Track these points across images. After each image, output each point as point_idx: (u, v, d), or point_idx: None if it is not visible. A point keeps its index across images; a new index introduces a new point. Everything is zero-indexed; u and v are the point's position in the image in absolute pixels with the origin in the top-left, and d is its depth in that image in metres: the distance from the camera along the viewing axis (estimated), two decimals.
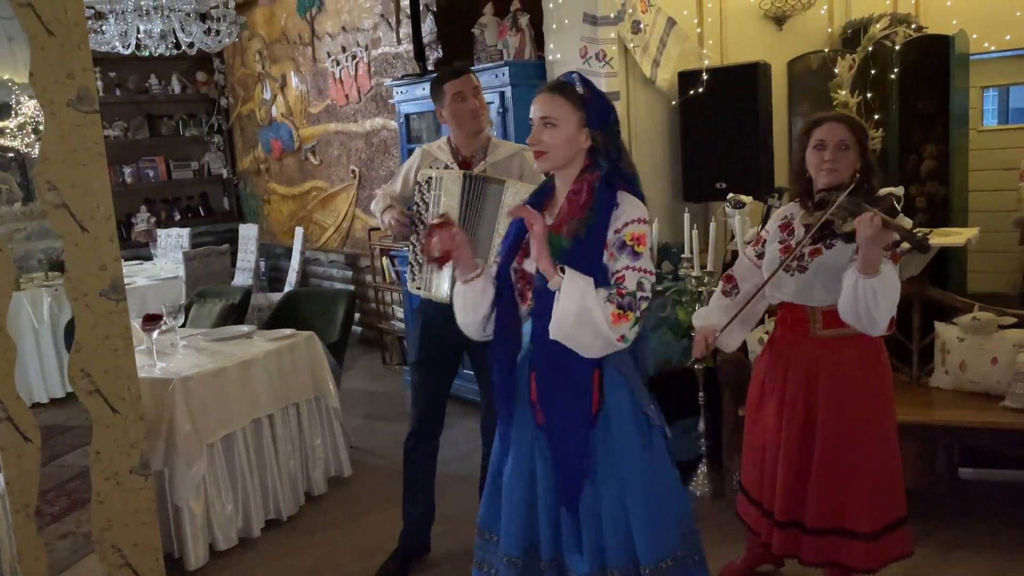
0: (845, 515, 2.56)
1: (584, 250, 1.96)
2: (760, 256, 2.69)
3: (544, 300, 1.99)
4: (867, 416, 2.54)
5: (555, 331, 1.94)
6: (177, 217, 8.48)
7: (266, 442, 3.64)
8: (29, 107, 5.98)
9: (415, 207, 3.01)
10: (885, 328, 2.35)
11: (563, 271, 1.93)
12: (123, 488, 3.04)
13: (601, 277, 1.96)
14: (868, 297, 2.26)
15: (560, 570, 2.08)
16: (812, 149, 2.53)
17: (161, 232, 7.58)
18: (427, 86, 5.04)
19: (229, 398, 3.43)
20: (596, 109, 2.07)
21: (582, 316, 1.89)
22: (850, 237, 2.32)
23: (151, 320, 3.54)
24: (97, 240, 2.95)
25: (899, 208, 2.70)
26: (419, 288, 2.99)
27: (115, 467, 3.03)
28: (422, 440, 3.15)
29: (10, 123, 6.35)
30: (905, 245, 2.26)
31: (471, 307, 2.17)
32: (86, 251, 2.94)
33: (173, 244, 7.37)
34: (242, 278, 7.35)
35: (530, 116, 2.11)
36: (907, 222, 2.65)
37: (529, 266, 2.09)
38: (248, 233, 7.57)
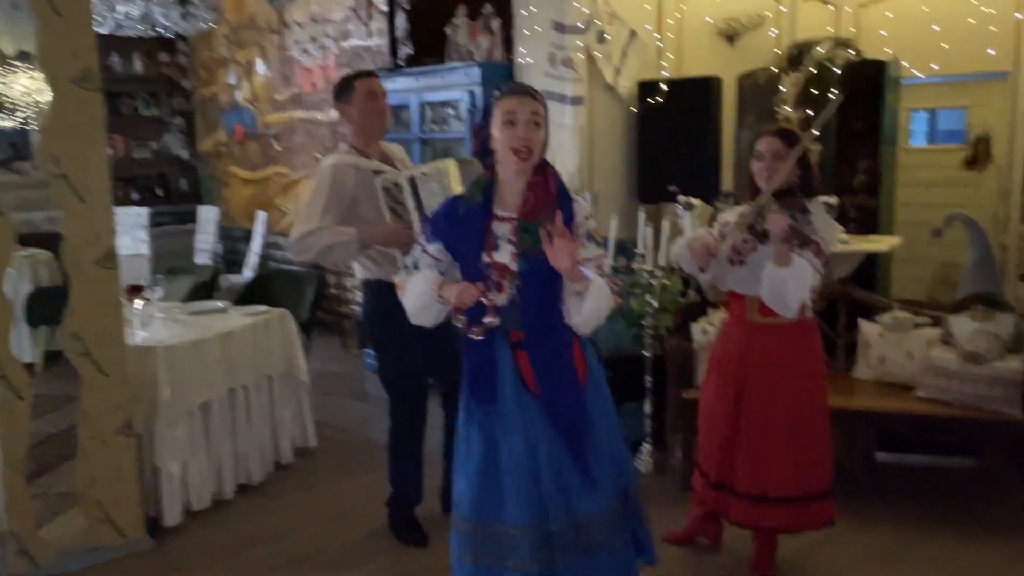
0: (767, 482, 2.89)
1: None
2: (721, 236, 2.97)
3: (532, 288, 2.20)
4: (791, 396, 2.88)
5: (588, 325, 2.23)
6: (135, 196, 8.49)
7: (240, 411, 3.83)
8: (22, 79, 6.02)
9: (390, 212, 3.05)
10: (796, 311, 2.73)
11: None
12: (108, 447, 3.23)
13: None
14: (779, 284, 2.66)
15: (569, 527, 2.25)
16: (754, 159, 2.89)
17: (119, 210, 7.60)
18: (399, 80, 5.31)
19: (208, 367, 3.62)
20: (547, 113, 2.30)
21: (604, 308, 2.20)
22: (767, 234, 2.71)
23: (135, 291, 3.70)
24: (93, 211, 3.14)
25: (833, 215, 3.06)
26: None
27: (101, 426, 3.21)
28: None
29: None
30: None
31: (437, 315, 2.33)
32: (83, 221, 3.12)
33: (132, 223, 7.42)
34: (201, 258, 7.46)
35: (506, 115, 2.19)
36: (837, 227, 3.01)
37: (501, 257, 2.23)
38: (208, 215, 7.68)
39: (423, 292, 2.30)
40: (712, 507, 3.04)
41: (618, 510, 2.33)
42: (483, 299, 2.21)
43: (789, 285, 2.65)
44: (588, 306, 2.18)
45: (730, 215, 3.00)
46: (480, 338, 2.24)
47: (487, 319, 2.22)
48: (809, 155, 2.90)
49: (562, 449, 2.25)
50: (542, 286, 2.21)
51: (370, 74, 3.30)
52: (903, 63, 4.84)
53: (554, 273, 2.17)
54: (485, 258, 2.23)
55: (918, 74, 4.84)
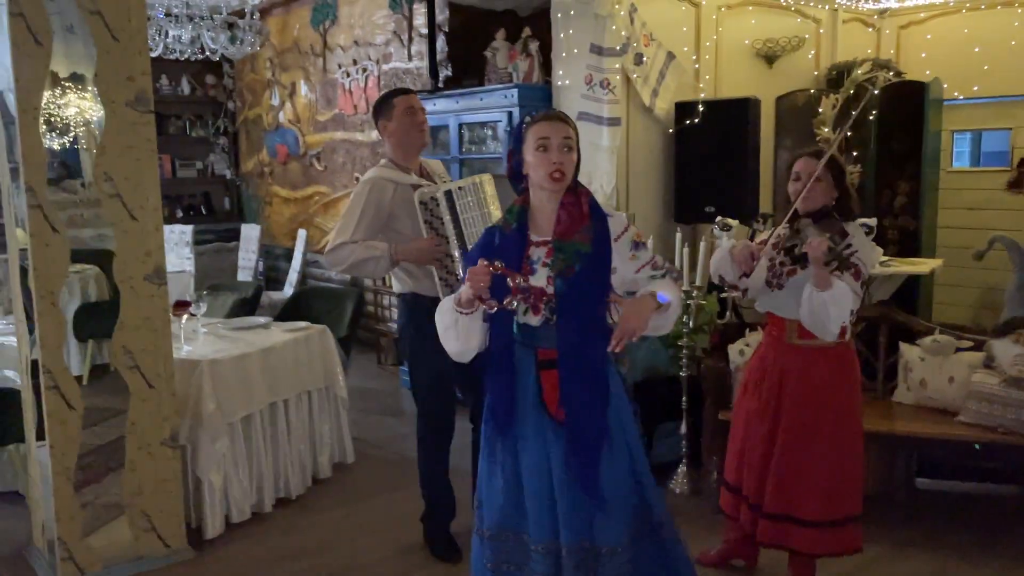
0: (795, 504, 2.87)
1: (600, 250, 2.25)
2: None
3: (569, 308, 2.22)
4: (827, 419, 2.85)
5: (664, 329, 2.33)
6: (179, 215, 8.71)
7: (281, 425, 3.90)
8: (73, 100, 6.26)
9: (427, 226, 3.10)
10: (837, 334, 2.70)
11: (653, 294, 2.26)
12: (154, 458, 3.31)
13: (608, 272, 2.27)
14: (819, 307, 2.64)
15: (585, 553, 2.25)
16: (791, 181, 2.88)
17: (164, 228, 7.81)
18: (438, 102, 5.41)
19: (251, 381, 3.70)
20: (578, 136, 2.34)
21: (677, 305, 2.32)
22: (805, 257, 2.69)
23: (180, 306, 3.80)
24: (144, 229, 3.25)
25: (871, 236, 3.04)
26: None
27: (148, 438, 3.30)
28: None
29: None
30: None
31: (466, 335, 2.28)
32: (134, 238, 3.22)
33: (177, 240, 7.61)
34: (243, 275, 7.62)
35: (540, 140, 2.23)
36: (878, 251, 2.99)
37: (537, 281, 2.26)
38: (251, 233, 7.84)
39: (446, 309, 2.32)
40: (747, 528, 3.03)
41: (641, 542, 2.32)
42: (508, 280, 2.20)
43: (830, 309, 2.63)
44: (664, 317, 2.29)
45: (765, 236, 3.01)
46: (493, 311, 2.23)
47: (507, 300, 2.22)
48: (847, 178, 2.87)
49: (575, 473, 2.25)
50: (579, 306, 2.24)
51: (408, 91, 3.37)
52: (944, 84, 4.82)
53: (591, 294, 2.22)
54: (523, 284, 2.26)
55: (960, 96, 4.81)
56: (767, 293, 2.88)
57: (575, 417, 2.25)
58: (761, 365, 3.00)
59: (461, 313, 2.24)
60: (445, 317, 2.31)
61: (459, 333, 2.28)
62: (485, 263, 2.15)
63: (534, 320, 2.28)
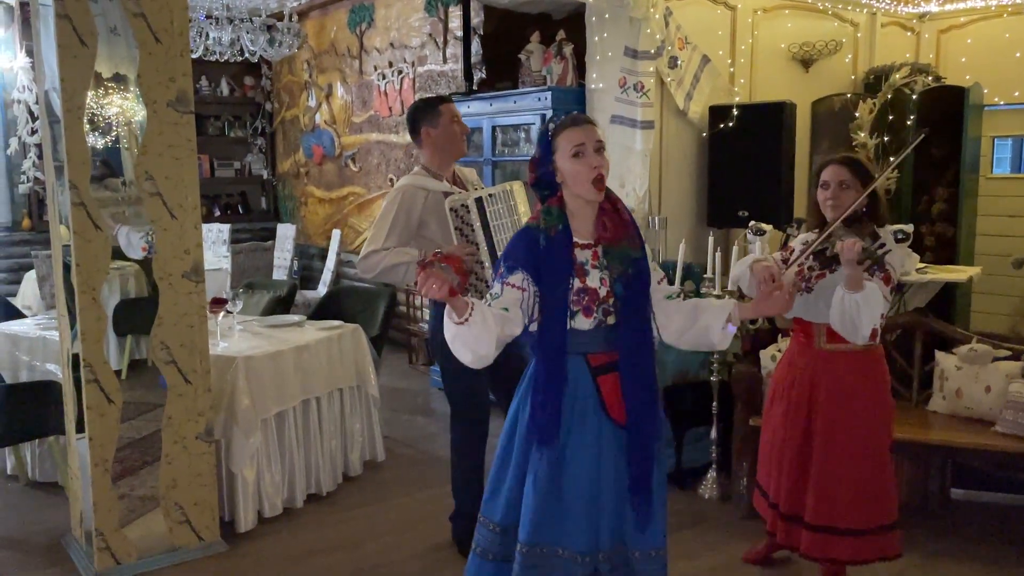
0: (836, 514, 2.85)
1: (645, 255, 2.30)
2: (784, 261, 2.93)
3: (629, 311, 2.24)
4: (860, 425, 2.84)
5: (706, 346, 2.38)
6: (217, 213, 8.85)
7: (313, 422, 3.95)
8: (115, 100, 6.40)
9: (458, 233, 3.10)
10: (868, 336, 2.67)
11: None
12: (189, 452, 3.38)
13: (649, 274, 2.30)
14: (852, 309, 2.62)
15: (618, 558, 2.27)
16: (819, 188, 2.87)
17: (203, 227, 7.94)
18: (472, 104, 5.44)
19: (284, 378, 3.75)
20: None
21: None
22: (835, 260, 2.69)
23: (217, 303, 3.87)
24: (183, 227, 3.31)
25: (907, 243, 3.01)
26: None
27: (183, 432, 3.36)
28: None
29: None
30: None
31: (474, 343, 2.14)
32: (173, 236, 3.29)
33: (214, 238, 7.73)
34: (278, 274, 7.72)
35: (575, 147, 2.21)
36: (914, 258, 2.97)
37: (592, 282, 2.25)
38: (286, 232, 7.94)
39: (444, 324, 2.22)
40: (783, 541, 3.01)
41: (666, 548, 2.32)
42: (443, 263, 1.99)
43: (862, 310, 2.61)
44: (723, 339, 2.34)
45: (797, 243, 2.99)
46: (467, 295, 2.11)
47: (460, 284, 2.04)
48: (876, 184, 2.84)
49: (626, 481, 2.25)
50: (638, 309, 2.27)
51: (450, 99, 3.41)
52: (985, 90, 4.74)
53: (645, 296, 2.27)
54: (577, 283, 2.24)
55: (1000, 101, 4.73)
56: (796, 298, 2.84)
57: (636, 418, 2.25)
58: (791, 371, 2.98)
59: (457, 323, 2.12)
60: (447, 332, 2.19)
61: (465, 343, 2.15)
62: (421, 268, 1.99)
63: (585, 324, 2.24)
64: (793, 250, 2.90)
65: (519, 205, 3.17)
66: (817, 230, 2.85)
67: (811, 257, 2.78)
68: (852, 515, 2.84)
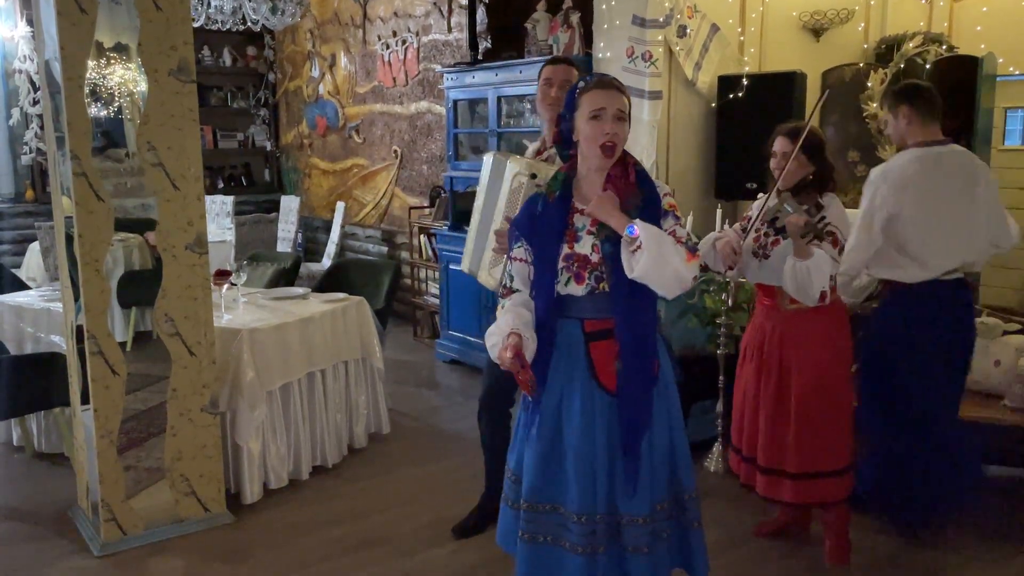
0: (820, 459, 2.96)
1: (646, 214, 2.19)
2: (743, 230, 3.09)
3: (619, 271, 2.18)
4: (832, 371, 2.97)
5: (649, 279, 2.13)
6: (220, 185, 8.81)
7: (318, 395, 3.95)
8: (117, 70, 6.34)
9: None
10: (817, 299, 2.84)
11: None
12: (194, 424, 3.37)
13: None
14: (802, 275, 2.81)
15: (611, 521, 2.27)
16: (771, 158, 3.03)
17: (206, 198, 7.91)
18: (477, 74, 5.37)
19: (289, 351, 3.74)
20: (630, 105, 2.29)
21: (665, 257, 2.11)
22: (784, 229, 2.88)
23: (221, 275, 3.84)
24: (186, 198, 3.27)
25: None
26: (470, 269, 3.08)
27: (188, 404, 3.35)
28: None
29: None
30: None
31: (533, 345, 2.23)
32: (176, 207, 3.26)
33: (218, 211, 7.70)
34: (282, 247, 7.69)
35: (594, 110, 2.19)
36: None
37: (582, 248, 2.24)
38: (290, 205, 7.90)
39: (489, 345, 2.28)
40: (764, 493, 3.08)
41: (663, 515, 2.31)
42: (518, 371, 2.12)
43: (812, 276, 2.80)
44: (645, 258, 2.12)
45: (754, 208, 3.10)
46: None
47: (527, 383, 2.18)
48: (825, 152, 2.97)
49: (617, 445, 2.24)
50: None
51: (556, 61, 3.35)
52: (999, 60, 4.66)
53: None
54: (566, 249, 2.24)
55: (1015, 71, 4.65)
56: (755, 264, 3.02)
57: (627, 385, 2.23)
58: (759, 333, 3.11)
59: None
60: (492, 336, 2.27)
61: (528, 350, 2.22)
62: (510, 356, 2.12)
63: (578, 290, 2.24)
64: (749, 218, 3.08)
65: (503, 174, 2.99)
66: (767, 195, 3.00)
67: (765, 224, 2.97)
68: (834, 456, 2.97)
